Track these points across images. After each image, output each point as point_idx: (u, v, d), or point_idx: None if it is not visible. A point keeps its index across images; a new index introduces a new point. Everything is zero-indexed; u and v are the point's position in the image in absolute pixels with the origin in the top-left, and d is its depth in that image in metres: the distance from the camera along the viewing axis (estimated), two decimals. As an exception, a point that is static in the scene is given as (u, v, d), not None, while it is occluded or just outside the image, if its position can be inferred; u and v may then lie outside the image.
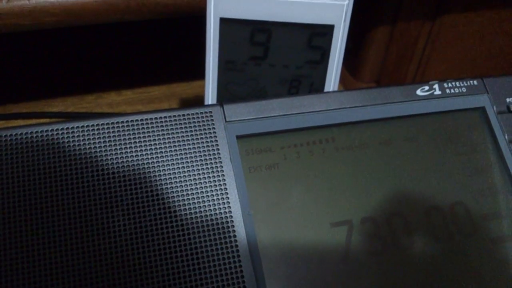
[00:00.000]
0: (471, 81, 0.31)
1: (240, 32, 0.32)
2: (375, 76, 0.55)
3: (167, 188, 0.25)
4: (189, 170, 0.26)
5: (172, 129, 0.27)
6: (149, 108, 0.49)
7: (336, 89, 0.35)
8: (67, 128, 0.26)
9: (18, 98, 0.48)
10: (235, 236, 0.25)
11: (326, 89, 0.35)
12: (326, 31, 0.33)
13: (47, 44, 0.53)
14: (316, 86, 0.35)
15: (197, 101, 0.50)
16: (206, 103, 0.34)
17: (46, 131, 0.25)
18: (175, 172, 0.26)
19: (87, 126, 0.26)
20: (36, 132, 0.25)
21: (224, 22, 0.31)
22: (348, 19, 0.33)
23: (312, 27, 0.33)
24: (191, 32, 0.56)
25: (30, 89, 0.49)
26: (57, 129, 0.26)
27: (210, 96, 0.34)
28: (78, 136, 0.26)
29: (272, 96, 0.29)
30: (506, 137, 0.30)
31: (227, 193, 0.26)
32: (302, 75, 0.34)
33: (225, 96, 0.34)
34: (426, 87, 0.30)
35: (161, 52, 0.56)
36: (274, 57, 0.34)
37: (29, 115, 0.47)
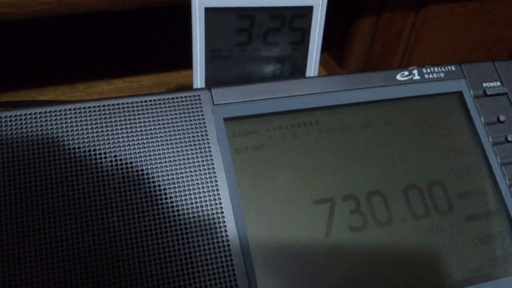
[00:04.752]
0: (449, 67, 0.32)
1: (225, 20, 0.33)
2: (360, 66, 0.56)
3: (156, 168, 0.26)
4: (177, 152, 0.27)
5: (161, 112, 0.27)
6: (139, 97, 0.49)
7: (317, 67, 0.36)
8: (55, 111, 0.26)
9: (8, 86, 0.49)
10: (222, 213, 0.26)
11: (308, 68, 0.36)
12: (306, 12, 0.34)
13: (38, 32, 0.53)
14: (299, 66, 0.36)
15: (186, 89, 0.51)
16: (194, 89, 0.35)
17: (35, 113, 0.26)
18: (163, 153, 0.27)
19: (76, 108, 0.27)
20: (25, 115, 0.26)
21: (209, 12, 0.32)
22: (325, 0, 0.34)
23: (292, 10, 0.34)
24: (181, 21, 0.57)
25: (21, 77, 0.50)
26: (45, 112, 0.26)
27: (199, 84, 0.35)
28: (67, 119, 0.26)
29: (258, 80, 0.30)
30: (482, 119, 0.31)
31: (214, 173, 0.27)
32: (285, 57, 0.36)
33: (213, 83, 0.35)
34: (406, 72, 0.31)
35: (150, 41, 0.56)
36: (257, 42, 0.35)
37: (19, 103, 0.48)
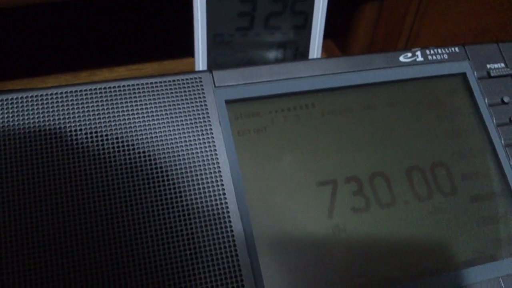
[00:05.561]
0: (453, 48, 0.32)
1: (226, 3, 0.33)
2: (364, 52, 0.56)
3: (157, 151, 0.26)
4: (179, 134, 0.27)
5: (163, 94, 0.27)
6: (141, 85, 0.49)
7: (319, 52, 0.36)
8: (62, 93, 0.26)
9: (11, 75, 0.49)
10: (224, 195, 0.26)
11: (310, 53, 0.36)
12: None
13: (39, 20, 0.53)
14: (301, 50, 0.36)
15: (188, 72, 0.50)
16: (196, 73, 0.35)
17: (40, 96, 0.26)
18: (165, 136, 0.27)
19: (78, 91, 0.27)
20: (27, 97, 0.26)
21: None
22: None
23: None
24: (183, 9, 0.57)
25: (24, 66, 0.50)
26: (51, 94, 0.26)
27: (201, 69, 0.35)
28: (73, 100, 0.26)
29: (260, 63, 0.30)
30: (486, 101, 0.31)
31: (216, 155, 0.27)
32: (287, 41, 0.35)
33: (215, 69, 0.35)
34: (409, 54, 0.31)
35: (153, 29, 0.56)
36: (259, 26, 0.35)
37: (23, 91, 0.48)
